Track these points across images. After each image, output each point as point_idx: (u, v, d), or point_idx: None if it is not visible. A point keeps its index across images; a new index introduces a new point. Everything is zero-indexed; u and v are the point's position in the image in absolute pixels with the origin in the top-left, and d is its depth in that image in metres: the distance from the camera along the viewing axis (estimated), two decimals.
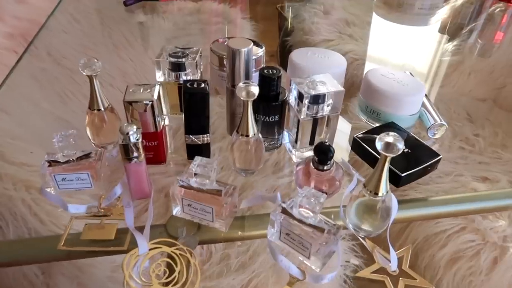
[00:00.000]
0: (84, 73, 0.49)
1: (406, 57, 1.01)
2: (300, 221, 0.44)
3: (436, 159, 0.58)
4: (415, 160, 0.57)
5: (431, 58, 1.03)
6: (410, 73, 0.75)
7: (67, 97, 0.80)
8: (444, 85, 0.90)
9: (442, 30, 1.17)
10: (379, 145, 0.43)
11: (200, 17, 1.17)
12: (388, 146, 0.42)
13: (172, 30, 1.10)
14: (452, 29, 1.16)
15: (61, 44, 0.99)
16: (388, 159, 0.43)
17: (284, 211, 0.45)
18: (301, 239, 0.45)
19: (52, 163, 0.50)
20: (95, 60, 0.49)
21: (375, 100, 0.66)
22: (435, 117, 0.66)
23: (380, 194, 0.45)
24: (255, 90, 0.49)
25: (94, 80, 0.51)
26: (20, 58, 0.90)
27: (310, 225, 0.44)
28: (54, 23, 1.07)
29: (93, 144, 0.56)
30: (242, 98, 0.50)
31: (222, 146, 0.64)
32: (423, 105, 0.68)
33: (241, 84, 0.50)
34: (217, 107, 0.72)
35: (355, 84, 0.84)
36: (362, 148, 0.61)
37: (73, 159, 0.51)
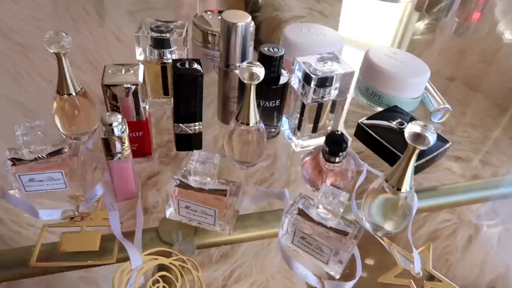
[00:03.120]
0: (51, 50, 0.40)
1: (376, 35, 0.98)
2: (319, 223, 0.39)
3: (446, 145, 0.55)
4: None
5: (402, 36, 1.01)
6: None
7: (21, 77, 0.70)
8: None
9: (418, 8, 1.14)
10: (407, 134, 0.38)
11: None
12: (418, 137, 0.37)
13: (133, 3, 1.01)
14: (428, 7, 1.13)
15: (10, 16, 0.87)
16: (416, 152, 0.38)
17: (300, 212, 0.40)
18: (319, 243, 0.39)
19: (16, 161, 0.41)
20: (64, 34, 0.40)
21: (378, 81, 0.61)
22: (439, 100, 0.63)
23: (403, 190, 0.41)
24: (260, 71, 0.43)
25: (63, 59, 0.42)
26: None
27: (331, 228, 0.39)
28: None
29: (63, 135, 0.47)
30: (245, 81, 0.43)
31: (213, 134, 0.57)
32: (426, 88, 0.64)
33: (244, 65, 0.43)
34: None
35: None
36: (367, 135, 0.56)
37: (42, 156, 0.42)
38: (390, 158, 0.54)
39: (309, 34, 0.64)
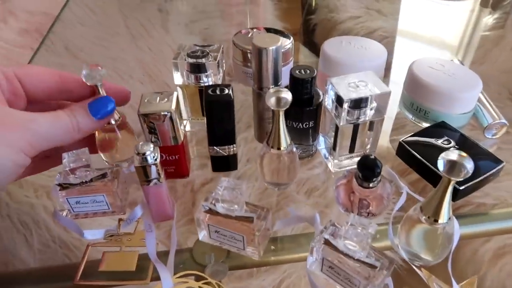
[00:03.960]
0: (88, 83, 0.43)
1: (441, 33, 0.91)
2: (346, 255, 0.38)
3: (499, 167, 0.50)
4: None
5: (469, 33, 0.93)
6: (460, 61, 0.66)
7: None
8: (483, 62, 0.81)
9: (484, 4, 1.05)
10: (441, 164, 0.36)
11: None
12: (453, 166, 0.35)
13: (191, 13, 1.05)
14: (495, 2, 1.04)
15: (77, 37, 0.95)
16: (452, 183, 0.36)
17: (327, 242, 0.39)
18: (348, 275, 0.38)
19: (63, 185, 0.45)
20: (99, 68, 0.43)
21: (423, 96, 0.58)
22: (493, 114, 0.58)
23: (440, 221, 0.38)
24: (287, 97, 0.42)
25: (101, 90, 0.45)
26: (35, 53, 0.86)
27: (358, 261, 0.37)
28: (69, 15, 1.02)
29: (106, 163, 0.51)
30: (272, 108, 0.43)
31: (247, 136, 0.58)
32: (479, 100, 0.59)
33: (270, 91, 0.43)
34: (240, 94, 0.67)
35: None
36: (409, 154, 0.53)
37: (86, 181, 0.46)
38: (434, 180, 0.50)
39: (349, 48, 0.63)
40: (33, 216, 0.52)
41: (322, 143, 0.56)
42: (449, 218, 0.38)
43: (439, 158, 0.36)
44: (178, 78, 0.56)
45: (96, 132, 0.48)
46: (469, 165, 0.35)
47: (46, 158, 0.39)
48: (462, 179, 0.35)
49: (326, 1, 1.03)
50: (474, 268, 0.45)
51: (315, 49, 0.91)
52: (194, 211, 0.51)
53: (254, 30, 0.68)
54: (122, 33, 0.97)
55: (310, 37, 0.97)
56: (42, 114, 0.38)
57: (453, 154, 0.35)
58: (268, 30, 0.69)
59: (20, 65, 0.89)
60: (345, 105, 0.47)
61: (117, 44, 0.93)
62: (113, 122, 0.47)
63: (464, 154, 0.35)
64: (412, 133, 0.55)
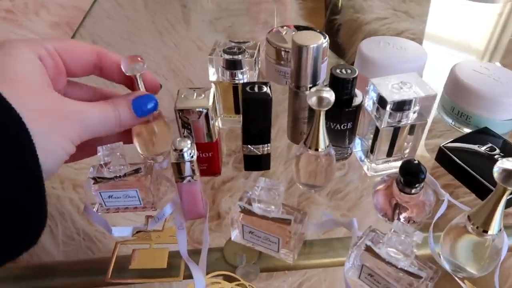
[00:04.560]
0: (127, 74, 0.42)
1: (471, 36, 0.88)
2: (388, 263, 0.36)
3: None
4: None
5: (501, 36, 0.90)
6: (501, 64, 0.63)
7: (113, 88, 0.77)
8: None
9: None
10: (496, 173, 0.33)
11: None
12: (510, 176, 0.33)
13: (215, 11, 1.05)
14: None
15: (106, 31, 0.95)
16: (507, 193, 0.34)
17: (368, 248, 0.37)
18: (388, 283, 0.37)
19: (97, 179, 0.45)
20: (139, 58, 0.42)
21: (465, 100, 0.55)
22: None
23: (490, 232, 0.36)
24: (330, 97, 0.41)
25: (139, 81, 0.44)
26: None
27: (402, 270, 0.36)
28: (99, 10, 1.03)
29: (141, 156, 0.50)
30: (313, 107, 0.41)
31: (283, 154, 0.57)
32: None
33: (312, 90, 0.41)
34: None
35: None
36: (450, 160, 0.51)
37: (120, 175, 0.45)
38: (477, 188, 0.48)
39: (388, 48, 0.61)
40: (59, 208, 0.52)
41: (358, 146, 0.54)
42: (500, 230, 0.36)
43: (494, 166, 0.33)
44: (213, 74, 0.55)
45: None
46: None
47: (80, 149, 0.39)
48: None
49: (352, 2, 1.01)
50: None
51: (338, 49, 0.89)
52: (213, 209, 0.50)
53: (284, 27, 0.67)
54: (148, 28, 0.98)
55: (334, 37, 0.95)
56: (92, 105, 0.38)
57: (510, 163, 0.33)
58: (298, 28, 0.67)
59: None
60: (388, 107, 0.45)
61: (143, 39, 0.93)
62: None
63: None
64: (453, 139, 0.53)
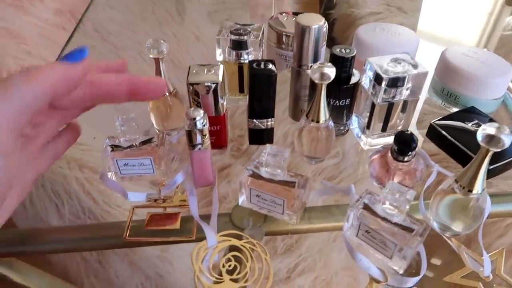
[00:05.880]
0: (151, 56, 0.45)
1: (462, 33, 0.92)
2: (384, 219, 0.40)
3: None
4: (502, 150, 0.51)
5: (492, 33, 0.94)
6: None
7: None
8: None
9: (509, 2, 1.06)
10: (480, 136, 0.38)
11: None
12: (491, 139, 0.37)
13: (213, 3, 1.07)
14: None
15: (108, 21, 0.98)
16: (489, 154, 0.38)
17: (366, 207, 0.41)
18: (384, 238, 0.41)
19: (114, 147, 0.48)
20: (162, 41, 0.46)
21: (454, 81, 0.59)
22: None
23: (474, 191, 0.40)
24: (331, 72, 0.45)
25: (161, 63, 0.47)
26: (71, 36, 0.89)
27: (396, 224, 0.40)
28: None
29: (156, 130, 0.53)
30: (316, 81, 0.45)
31: (284, 130, 0.60)
32: (508, 88, 0.61)
33: (315, 66, 0.45)
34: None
35: None
36: (440, 136, 0.55)
37: (135, 144, 0.48)
38: (465, 161, 0.52)
39: (383, 34, 0.65)
40: (65, 187, 0.54)
41: (355, 123, 0.58)
42: (483, 190, 0.40)
43: (478, 130, 0.37)
44: (219, 55, 0.58)
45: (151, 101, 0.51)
46: (507, 138, 0.36)
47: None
48: (499, 150, 0.37)
49: None
50: (502, 243, 0.47)
51: (332, 43, 0.93)
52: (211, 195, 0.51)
53: (284, 14, 0.71)
54: (149, 18, 1.00)
55: (328, 31, 0.99)
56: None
57: (491, 128, 0.37)
58: (296, 14, 0.71)
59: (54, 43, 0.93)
60: (383, 84, 0.49)
61: (143, 29, 0.95)
62: (167, 93, 0.50)
63: (502, 127, 0.37)
64: (443, 116, 0.57)
